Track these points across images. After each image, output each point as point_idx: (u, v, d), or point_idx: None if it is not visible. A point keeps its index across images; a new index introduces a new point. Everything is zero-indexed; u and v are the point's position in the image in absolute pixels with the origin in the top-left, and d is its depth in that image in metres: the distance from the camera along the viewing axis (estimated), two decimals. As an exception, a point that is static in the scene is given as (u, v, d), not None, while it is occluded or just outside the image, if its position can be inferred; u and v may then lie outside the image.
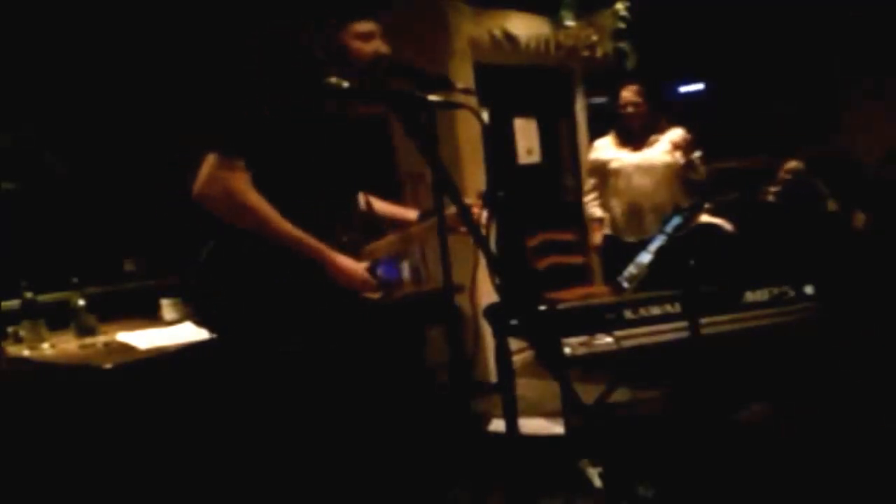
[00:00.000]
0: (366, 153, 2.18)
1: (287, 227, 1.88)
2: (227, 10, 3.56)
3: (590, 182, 4.00)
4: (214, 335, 2.05)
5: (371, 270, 2.03)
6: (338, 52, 1.96)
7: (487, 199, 2.04)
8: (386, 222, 2.26)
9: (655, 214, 3.59)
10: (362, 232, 2.13)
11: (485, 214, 1.98)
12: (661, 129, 3.73)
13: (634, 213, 3.70)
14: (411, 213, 2.30)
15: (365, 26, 1.97)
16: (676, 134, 3.72)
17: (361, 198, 2.25)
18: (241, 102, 1.92)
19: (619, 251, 3.61)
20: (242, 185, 1.84)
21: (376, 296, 2.07)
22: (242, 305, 1.90)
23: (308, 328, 1.93)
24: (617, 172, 3.75)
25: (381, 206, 2.30)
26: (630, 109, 3.68)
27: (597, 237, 3.92)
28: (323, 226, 1.96)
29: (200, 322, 2.06)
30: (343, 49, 1.96)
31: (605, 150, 3.84)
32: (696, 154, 3.77)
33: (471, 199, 2.16)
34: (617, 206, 3.79)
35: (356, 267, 1.99)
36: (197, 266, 1.94)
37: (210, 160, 1.84)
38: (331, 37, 1.96)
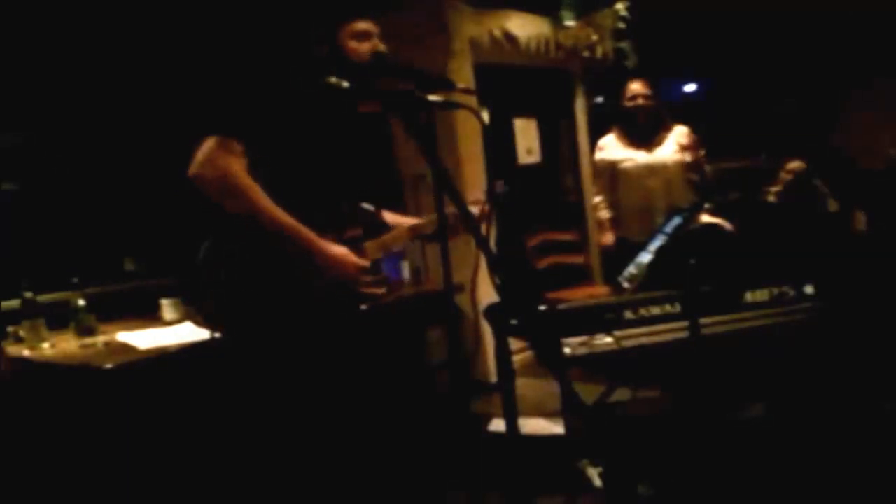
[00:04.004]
0: (366, 153, 2.18)
1: (279, 213, 1.87)
2: (229, 10, 3.57)
3: (598, 183, 3.96)
4: (213, 334, 2.05)
5: (375, 268, 2.02)
6: (336, 52, 1.96)
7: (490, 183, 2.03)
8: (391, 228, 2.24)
9: (667, 214, 3.53)
10: (365, 229, 2.13)
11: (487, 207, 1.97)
12: (667, 128, 3.71)
13: (645, 213, 3.65)
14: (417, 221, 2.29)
15: (361, 25, 1.98)
16: (682, 132, 3.70)
17: (370, 207, 2.25)
18: (242, 91, 1.93)
19: (627, 252, 3.59)
20: (238, 168, 1.84)
21: (382, 291, 2.07)
22: (240, 304, 1.90)
23: (305, 327, 1.92)
24: (627, 173, 3.70)
25: (390, 216, 2.30)
26: (640, 101, 3.62)
27: (608, 237, 3.86)
28: (322, 219, 1.96)
29: (201, 321, 2.06)
30: (340, 49, 1.96)
31: (613, 149, 3.78)
32: (701, 153, 3.76)
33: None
34: (627, 206, 3.74)
35: (346, 254, 1.97)
36: (195, 265, 1.94)
37: (209, 142, 1.84)
38: (329, 36, 1.97)
